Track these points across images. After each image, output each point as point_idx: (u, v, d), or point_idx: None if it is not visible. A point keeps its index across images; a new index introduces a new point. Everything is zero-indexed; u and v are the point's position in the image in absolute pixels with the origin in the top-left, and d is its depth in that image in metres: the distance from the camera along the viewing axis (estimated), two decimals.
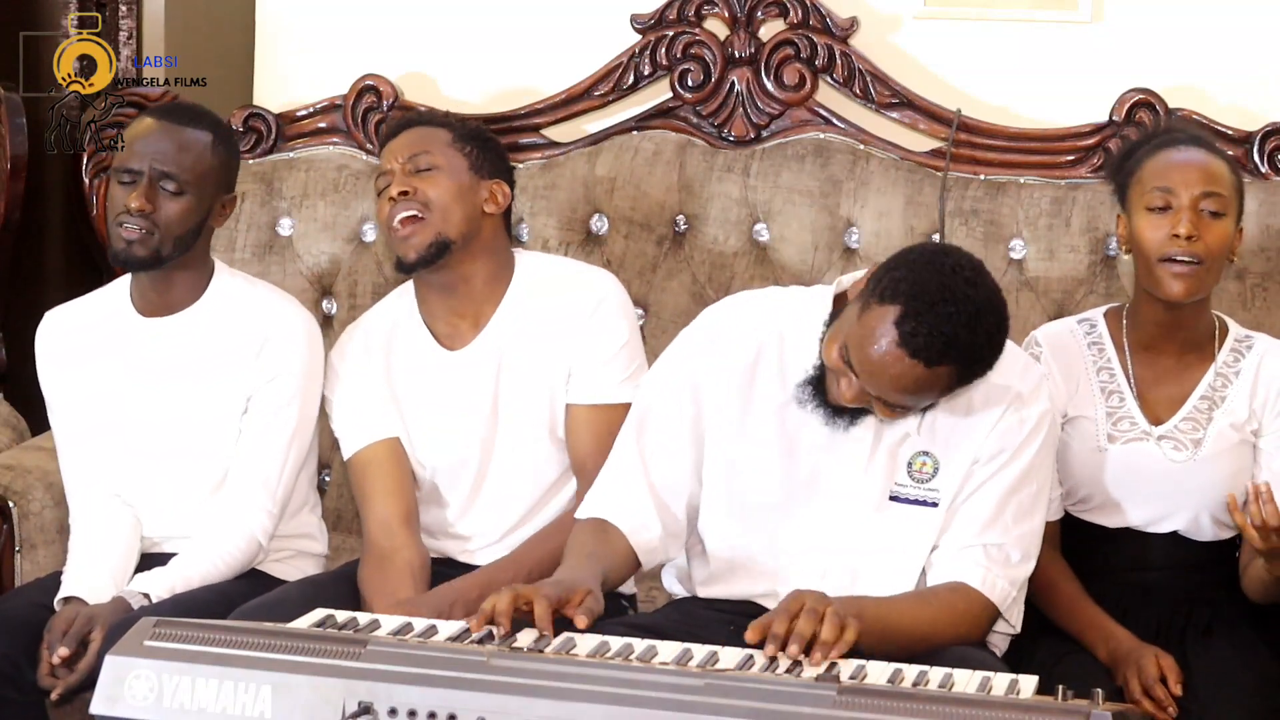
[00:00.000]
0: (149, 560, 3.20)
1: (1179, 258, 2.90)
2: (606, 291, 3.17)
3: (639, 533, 2.84)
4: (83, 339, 3.26)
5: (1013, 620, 2.84)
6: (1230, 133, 3.57)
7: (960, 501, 2.79)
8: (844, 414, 2.77)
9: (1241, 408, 2.98)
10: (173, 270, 3.19)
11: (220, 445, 3.20)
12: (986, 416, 2.80)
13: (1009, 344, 2.85)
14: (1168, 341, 3.01)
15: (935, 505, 2.80)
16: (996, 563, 2.77)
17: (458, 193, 3.12)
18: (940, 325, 2.57)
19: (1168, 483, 2.96)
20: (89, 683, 2.86)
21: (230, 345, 3.20)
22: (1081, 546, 3.03)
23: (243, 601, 3.00)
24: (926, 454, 2.81)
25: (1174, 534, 2.99)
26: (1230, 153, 3.52)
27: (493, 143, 3.25)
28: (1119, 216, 3.04)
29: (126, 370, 3.21)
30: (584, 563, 2.72)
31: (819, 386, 2.77)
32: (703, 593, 2.93)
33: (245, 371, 3.19)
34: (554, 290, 3.17)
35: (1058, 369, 3.01)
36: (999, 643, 2.92)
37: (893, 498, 2.80)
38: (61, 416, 3.28)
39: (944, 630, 2.71)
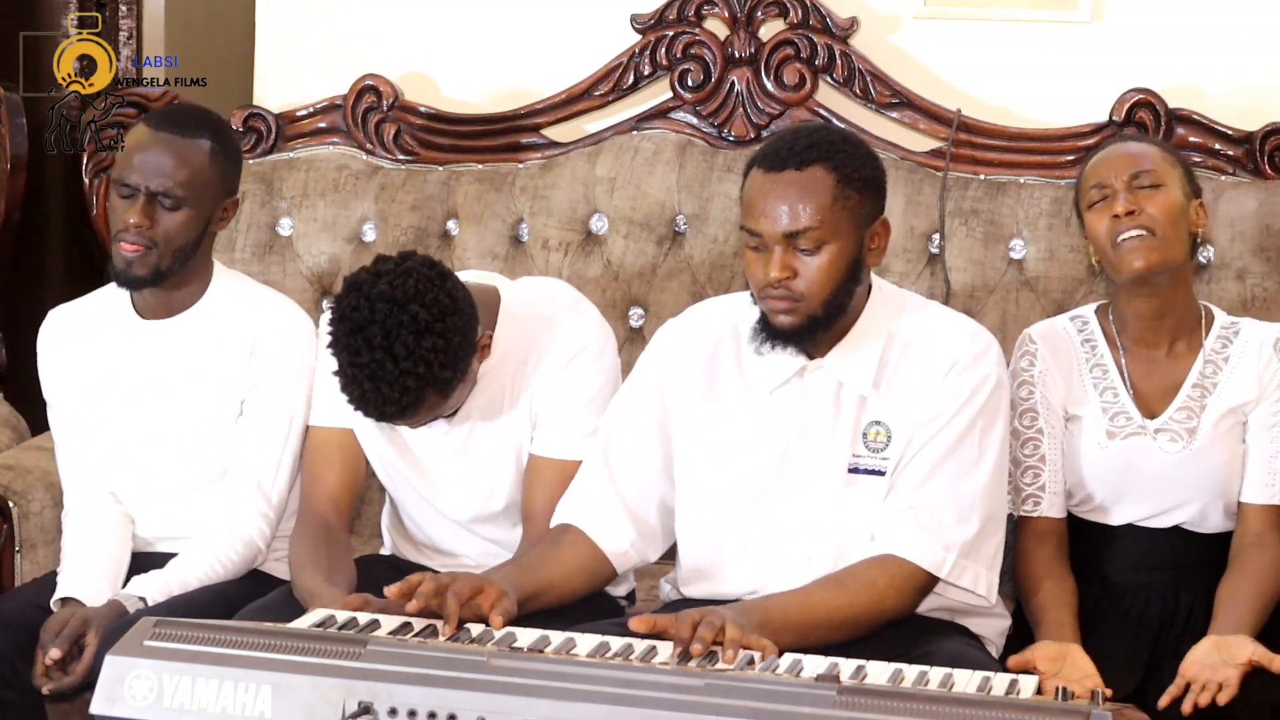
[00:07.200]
0: (142, 561, 3.20)
1: (1125, 235, 2.93)
2: (588, 340, 3.05)
3: (608, 537, 2.87)
4: (84, 339, 3.26)
5: (980, 590, 2.79)
6: (1230, 133, 3.56)
7: (900, 468, 2.79)
8: (789, 336, 2.78)
9: (1240, 390, 3.00)
10: (174, 280, 3.19)
11: (214, 446, 3.20)
12: (928, 382, 2.81)
13: (959, 315, 2.94)
14: (1155, 333, 3.03)
15: (884, 474, 2.81)
16: (927, 528, 2.75)
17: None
18: (789, 135, 2.80)
19: (1167, 475, 2.98)
20: (87, 684, 2.87)
21: (224, 348, 3.19)
22: (1082, 549, 3.03)
23: (241, 602, 2.99)
24: (879, 423, 2.82)
25: (1177, 529, 3.00)
26: (1231, 152, 3.54)
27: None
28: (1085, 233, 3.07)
29: (125, 371, 3.21)
30: (512, 570, 2.75)
31: (763, 325, 2.80)
32: (688, 592, 2.93)
33: (238, 374, 3.18)
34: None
35: (1054, 366, 3.03)
36: (995, 639, 2.92)
37: (851, 469, 2.82)
38: (60, 414, 3.29)
39: (865, 611, 2.70)
